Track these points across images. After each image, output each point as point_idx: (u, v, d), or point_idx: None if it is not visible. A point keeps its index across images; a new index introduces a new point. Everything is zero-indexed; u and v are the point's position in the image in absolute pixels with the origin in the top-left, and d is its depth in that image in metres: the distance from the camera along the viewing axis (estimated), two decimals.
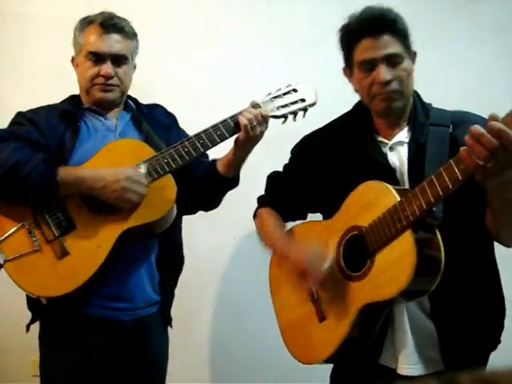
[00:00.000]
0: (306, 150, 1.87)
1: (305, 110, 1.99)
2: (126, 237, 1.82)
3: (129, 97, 2.09)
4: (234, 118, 1.91)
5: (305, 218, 1.91)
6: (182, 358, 2.53)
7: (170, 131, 2.09)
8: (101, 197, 1.80)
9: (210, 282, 2.57)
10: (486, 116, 1.28)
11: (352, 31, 1.64)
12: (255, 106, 1.94)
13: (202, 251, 2.59)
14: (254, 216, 1.94)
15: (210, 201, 2.10)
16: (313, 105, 2.00)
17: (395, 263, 1.48)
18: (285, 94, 2.00)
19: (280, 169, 1.94)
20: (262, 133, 1.89)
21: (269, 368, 2.44)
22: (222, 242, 2.56)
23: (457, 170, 1.34)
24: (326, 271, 1.61)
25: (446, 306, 1.58)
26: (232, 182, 1.99)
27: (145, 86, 2.61)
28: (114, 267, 1.84)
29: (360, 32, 1.61)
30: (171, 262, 2.04)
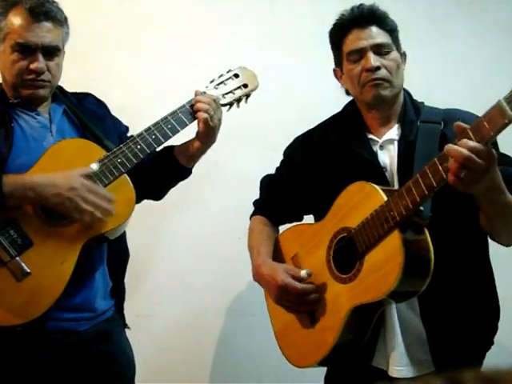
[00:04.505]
0: (297, 151, 1.86)
1: (248, 95, 1.97)
2: (86, 247, 1.70)
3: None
4: (184, 108, 1.84)
5: (300, 220, 1.90)
6: (183, 358, 2.47)
7: (104, 122, 1.94)
8: (53, 206, 1.64)
9: (212, 282, 2.49)
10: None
11: (341, 25, 1.69)
12: (200, 94, 1.88)
13: (204, 251, 2.50)
14: (251, 219, 1.93)
15: (164, 189, 2.00)
16: (255, 89, 1.99)
17: (383, 264, 1.48)
18: (227, 79, 1.96)
19: None
20: (219, 120, 1.84)
21: (271, 368, 2.45)
22: (224, 242, 2.48)
23: (440, 168, 1.36)
24: (302, 286, 1.64)
25: (435, 307, 1.58)
26: (189, 172, 1.93)
27: (146, 87, 2.45)
28: (72, 279, 1.71)
29: (349, 25, 1.66)
30: (121, 262, 1.94)
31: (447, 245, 1.52)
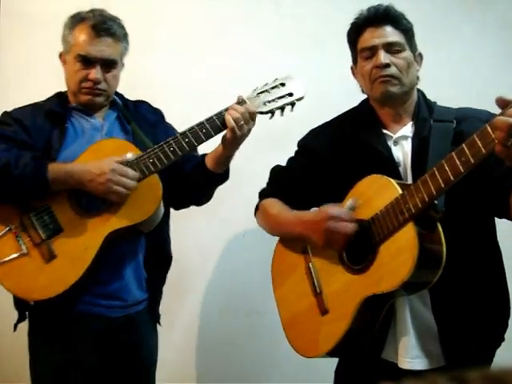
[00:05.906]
0: (312, 142, 1.89)
1: (292, 104, 1.96)
2: (113, 238, 1.83)
3: (115, 93, 2.07)
4: (220, 115, 1.89)
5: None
6: (188, 358, 2.54)
7: (157, 128, 2.07)
8: (90, 190, 1.80)
9: (218, 280, 2.56)
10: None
11: (357, 24, 1.76)
12: (241, 102, 1.91)
13: (210, 249, 2.58)
14: (256, 210, 1.93)
15: (201, 195, 2.08)
16: (301, 99, 1.96)
17: (397, 256, 1.49)
18: (272, 88, 1.96)
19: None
20: (249, 130, 1.86)
21: (277, 366, 2.43)
22: (231, 240, 2.55)
23: (458, 162, 1.37)
24: (353, 225, 1.59)
25: (446, 300, 1.58)
26: (221, 177, 1.98)
27: (146, 87, 2.56)
28: (103, 266, 1.85)
29: (364, 24, 1.73)
30: (159, 260, 2.04)
31: (459, 239, 1.53)
